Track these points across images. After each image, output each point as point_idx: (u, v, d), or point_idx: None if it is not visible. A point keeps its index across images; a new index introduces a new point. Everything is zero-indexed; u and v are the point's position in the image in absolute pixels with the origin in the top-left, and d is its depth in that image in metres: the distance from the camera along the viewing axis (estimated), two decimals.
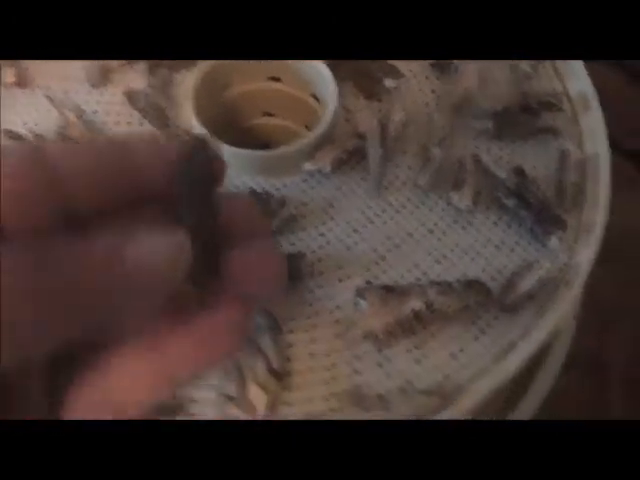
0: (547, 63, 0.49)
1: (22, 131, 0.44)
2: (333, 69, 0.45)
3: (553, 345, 0.51)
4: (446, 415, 0.35)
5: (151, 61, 0.47)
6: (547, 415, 0.49)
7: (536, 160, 0.44)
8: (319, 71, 0.45)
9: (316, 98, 0.48)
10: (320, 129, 0.43)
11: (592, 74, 0.48)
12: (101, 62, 0.47)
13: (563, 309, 0.39)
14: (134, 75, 0.48)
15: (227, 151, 0.42)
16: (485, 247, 0.41)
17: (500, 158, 0.44)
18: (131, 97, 0.45)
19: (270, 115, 0.52)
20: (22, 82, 0.47)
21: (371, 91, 0.46)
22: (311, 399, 0.37)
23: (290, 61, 0.46)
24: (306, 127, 0.52)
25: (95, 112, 0.46)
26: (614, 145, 0.45)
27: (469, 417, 0.36)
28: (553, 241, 0.41)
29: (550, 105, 0.45)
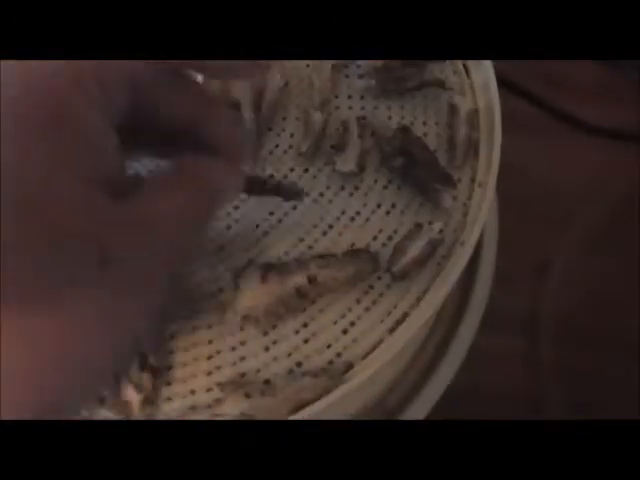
0: None
1: None
2: None
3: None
4: (334, 396, 0.33)
5: None
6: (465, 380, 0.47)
7: (426, 116, 0.42)
8: None
9: None
10: None
11: None
12: None
13: (458, 271, 0.37)
14: None
15: None
16: (374, 213, 0.39)
17: (389, 117, 0.42)
18: None
19: None
20: None
21: None
22: (193, 391, 0.35)
23: None
24: None
25: None
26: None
27: (359, 395, 0.34)
28: (446, 200, 0.39)
29: None
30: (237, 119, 0.39)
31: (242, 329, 0.36)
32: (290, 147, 0.41)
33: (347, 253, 0.37)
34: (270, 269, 0.36)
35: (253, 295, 0.35)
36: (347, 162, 0.39)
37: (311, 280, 0.36)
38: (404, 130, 0.40)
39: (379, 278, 0.37)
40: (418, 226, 0.38)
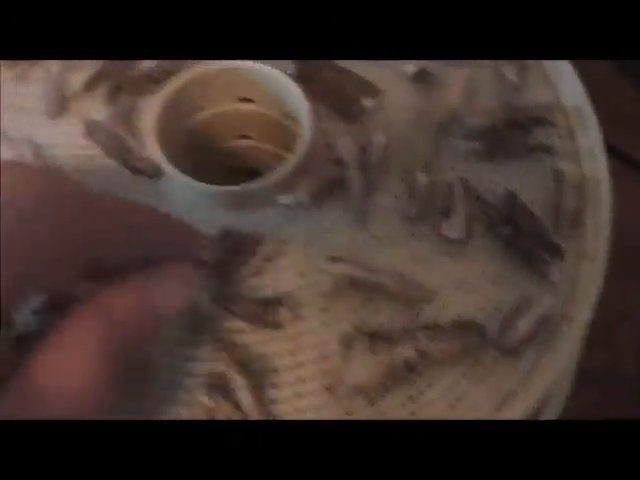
0: (536, 72, 0.45)
1: None
2: (306, 88, 0.41)
3: None
4: None
5: (111, 88, 0.44)
6: None
7: (530, 182, 0.41)
8: (290, 91, 0.41)
9: (292, 118, 0.45)
10: (296, 158, 0.39)
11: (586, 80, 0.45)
12: (58, 89, 0.43)
13: (566, 351, 0.36)
14: (93, 103, 0.44)
15: (196, 187, 0.39)
16: (479, 281, 0.38)
17: (491, 181, 0.41)
18: (90, 128, 0.42)
19: (246, 137, 0.48)
20: None
21: (348, 112, 0.43)
22: None
23: (261, 81, 0.42)
24: (285, 148, 0.48)
25: (53, 146, 0.43)
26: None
27: None
28: (552, 272, 0.38)
29: (541, 120, 0.42)
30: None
31: (350, 399, 0.35)
32: (394, 208, 0.40)
33: (455, 325, 0.36)
34: (379, 339, 0.35)
35: (363, 366, 0.34)
36: (454, 228, 0.39)
37: (419, 352, 0.35)
38: (511, 197, 0.39)
39: (487, 352, 0.36)
40: (527, 300, 0.37)
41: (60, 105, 0.43)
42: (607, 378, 0.59)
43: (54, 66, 0.44)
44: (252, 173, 0.51)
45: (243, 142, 0.49)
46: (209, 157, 0.48)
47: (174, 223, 0.33)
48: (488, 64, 0.45)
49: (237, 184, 0.39)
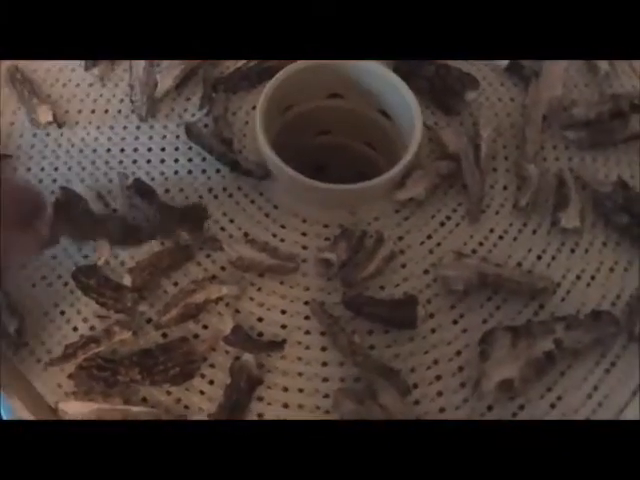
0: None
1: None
2: (407, 83, 0.41)
3: None
4: None
5: (205, 86, 0.42)
6: None
7: (632, 169, 0.42)
8: (393, 86, 0.41)
9: (384, 113, 0.44)
10: (410, 155, 0.39)
11: None
12: (149, 91, 0.42)
13: None
14: (184, 103, 0.43)
15: (313, 186, 0.38)
16: (598, 271, 0.39)
17: (597, 170, 0.41)
18: (190, 130, 0.40)
19: (326, 133, 0.48)
20: (59, 121, 0.42)
21: (450, 105, 0.42)
22: None
23: (356, 76, 0.42)
24: (367, 144, 0.48)
25: (149, 150, 0.41)
26: None
27: None
28: None
29: (638, 107, 0.42)
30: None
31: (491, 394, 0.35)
32: (505, 200, 0.40)
33: (590, 316, 0.36)
34: (517, 333, 0.35)
35: (506, 361, 0.34)
36: (571, 218, 0.39)
37: (558, 344, 0.35)
38: (623, 185, 0.40)
39: (615, 339, 0.37)
40: None
41: (151, 106, 0.42)
42: None
43: (138, 67, 0.43)
44: (324, 169, 0.51)
45: (322, 138, 0.49)
46: (287, 155, 0.48)
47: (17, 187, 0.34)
48: None
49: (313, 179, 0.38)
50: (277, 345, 0.36)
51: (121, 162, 0.40)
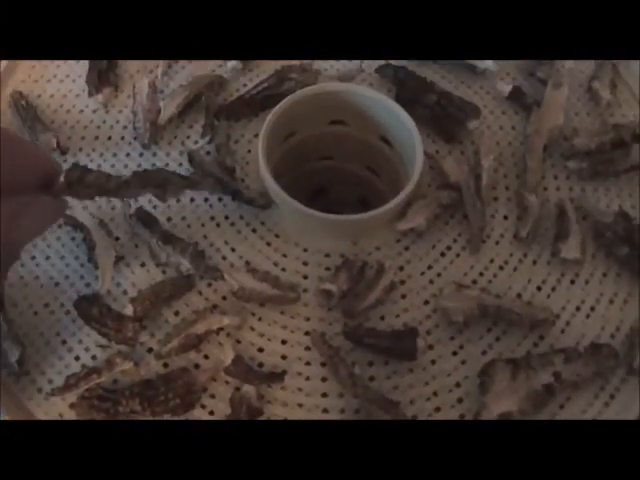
0: (623, 87, 0.46)
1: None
2: (407, 110, 0.41)
3: None
4: None
5: (208, 114, 0.43)
6: None
7: (633, 199, 0.42)
8: (394, 114, 0.41)
9: (385, 140, 0.44)
10: (412, 185, 0.39)
11: None
12: (152, 117, 0.42)
13: None
14: (187, 130, 0.43)
15: (314, 216, 0.38)
16: (599, 302, 0.39)
17: (598, 200, 0.42)
18: (193, 158, 0.41)
19: (328, 158, 0.48)
20: (62, 147, 0.42)
21: (451, 134, 0.42)
22: None
23: (359, 103, 0.42)
24: (368, 168, 0.48)
25: None
26: None
27: None
28: None
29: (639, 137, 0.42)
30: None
31: None
32: (506, 230, 0.40)
33: (589, 348, 0.36)
34: (516, 365, 0.35)
35: (505, 393, 0.35)
36: (572, 249, 0.39)
37: (557, 377, 0.35)
38: (624, 216, 0.40)
39: (614, 372, 0.37)
40: None
41: (153, 133, 0.42)
42: None
43: (142, 93, 0.43)
44: (324, 193, 0.51)
45: (324, 163, 0.49)
46: (287, 179, 0.48)
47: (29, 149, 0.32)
48: (581, 81, 0.45)
49: (312, 204, 0.39)
50: (277, 376, 0.36)
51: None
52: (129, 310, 0.36)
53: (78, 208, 0.40)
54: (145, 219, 0.39)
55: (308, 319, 0.38)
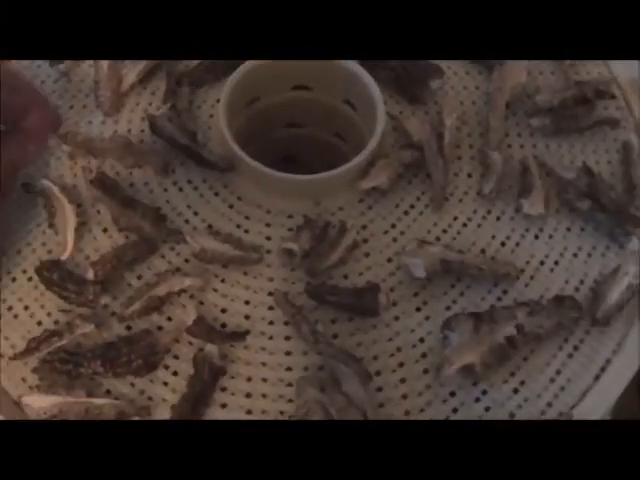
0: None
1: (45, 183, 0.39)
2: (371, 73, 0.41)
3: None
4: None
5: (169, 80, 0.42)
6: None
7: (597, 155, 0.42)
8: (357, 76, 0.41)
9: (350, 104, 0.44)
10: (372, 144, 0.39)
11: None
12: (114, 86, 0.42)
13: None
14: (149, 97, 0.43)
15: (275, 177, 0.38)
16: (562, 256, 0.39)
17: (562, 157, 0.41)
18: (154, 123, 0.40)
19: (295, 125, 0.48)
20: None
21: (414, 94, 0.42)
22: None
23: (322, 68, 0.42)
24: (336, 135, 0.48)
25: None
26: None
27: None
28: (633, 242, 0.39)
29: (603, 93, 0.42)
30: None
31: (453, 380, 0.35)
32: (470, 188, 0.40)
33: (552, 301, 0.36)
34: (479, 318, 0.35)
35: (468, 346, 0.35)
36: (535, 204, 0.39)
37: (520, 329, 0.35)
38: (587, 171, 0.40)
39: (577, 324, 0.37)
40: (612, 270, 0.38)
41: (115, 101, 0.42)
42: None
43: (103, 62, 0.43)
44: (294, 160, 0.51)
45: (291, 131, 0.49)
46: (256, 146, 0.48)
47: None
48: None
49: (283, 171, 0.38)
50: (240, 335, 0.36)
51: (85, 157, 0.40)
52: (90, 274, 0.36)
53: (39, 176, 0.40)
54: (106, 185, 0.39)
55: (271, 279, 0.37)
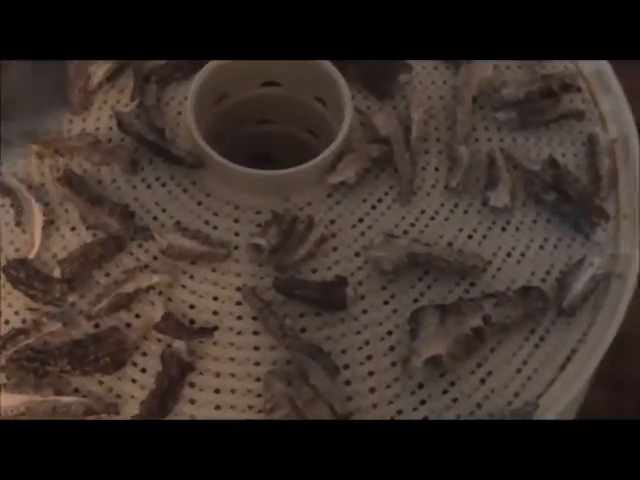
0: None
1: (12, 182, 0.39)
2: (339, 68, 0.41)
3: None
4: None
5: (137, 78, 0.42)
6: None
7: (563, 147, 0.42)
8: (326, 73, 0.41)
9: (320, 100, 0.44)
10: (340, 139, 0.39)
11: None
12: (82, 83, 0.42)
13: (624, 305, 0.37)
14: (117, 95, 0.43)
15: (243, 173, 0.38)
16: (529, 248, 0.39)
17: (528, 150, 0.42)
18: (121, 120, 0.40)
19: (267, 122, 0.48)
20: None
21: (383, 89, 0.43)
22: None
23: (291, 64, 0.42)
24: (309, 131, 0.48)
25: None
26: None
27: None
28: (598, 233, 0.39)
29: (569, 86, 0.42)
30: None
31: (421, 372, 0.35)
32: (437, 181, 0.41)
33: (518, 291, 0.37)
34: (445, 311, 0.36)
35: (435, 338, 0.35)
36: (501, 197, 0.39)
37: (486, 321, 0.36)
38: (553, 163, 0.40)
39: (544, 314, 0.37)
40: (577, 260, 0.38)
41: (83, 99, 0.42)
42: None
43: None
44: (265, 158, 0.51)
45: (264, 127, 0.49)
46: (228, 144, 0.48)
47: None
48: None
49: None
50: (208, 331, 0.36)
51: (52, 156, 0.40)
52: (57, 272, 0.36)
53: (6, 173, 0.39)
54: (73, 183, 0.39)
55: (239, 275, 0.38)
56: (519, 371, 0.36)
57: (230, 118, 0.46)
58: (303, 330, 0.36)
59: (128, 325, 0.36)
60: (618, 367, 0.62)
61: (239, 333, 0.36)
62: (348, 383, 0.35)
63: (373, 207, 0.40)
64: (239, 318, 0.37)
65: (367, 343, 0.36)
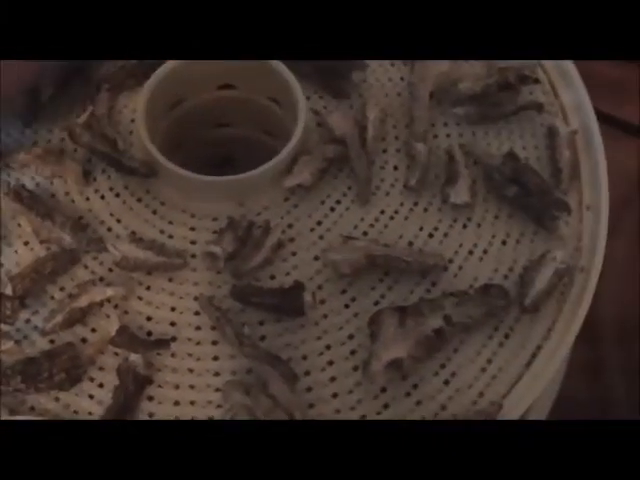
0: None
1: None
2: (292, 68, 0.40)
3: None
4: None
5: (88, 86, 0.42)
6: None
7: (524, 140, 0.42)
8: (278, 73, 0.40)
9: (276, 102, 0.44)
10: (294, 141, 0.38)
11: None
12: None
13: (588, 299, 0.37)
14: (70, 106, 0.42)
15: (196, 180, 0.38)
16: (491, 244, 0.39)
17: (488, 144, 0.41)
18: (72, 132, 0.40)
19: (226, 125, 0.47)
20: None
21: (338, 89, 0.42)
22: None
23: (245, 66, 0.41)
24: (267, 133, 0.47)
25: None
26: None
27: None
28: (561, 227, 0.38)
29: (527, 78, 0.42)
30: None
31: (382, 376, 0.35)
32: (396, 180, 0.40)
33: (479, 290, 0.36)
34: (404, 312, 0.35)
35: (395, 340, 0.34)
36: (461, 194, 0.39)
37: (447, 321, 0.35)
38: (512, 157, 0.40)
39: (507, 311, 0.37)
40: (539, 256, 0.38)
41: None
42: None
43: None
44: (227, 162, 0.50)
45: (222, 131, 0.48)
46: (188, 149, 0.47)
47: None
48: None
49: (219, 174, 0.38)
50: (164, 343, 0.35)
51: (3, 169, 0.39)
52: (8, 289, 0.35)
53: None
54: (23, 197, 0.38)
55: (197, 284, 0.37)
56: (484, 370, 0.36)
57: (188, 123, 0.45)
58: (263, 338, 0.36)
59: (84, 340, 0.35)
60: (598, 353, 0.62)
61: (198, 343, 0.36)
62: (309, 390, 0.35)
63: (332, 209, 0.39)
64: (198, 328, 0.36)
65: (328, 348, 0.36)
